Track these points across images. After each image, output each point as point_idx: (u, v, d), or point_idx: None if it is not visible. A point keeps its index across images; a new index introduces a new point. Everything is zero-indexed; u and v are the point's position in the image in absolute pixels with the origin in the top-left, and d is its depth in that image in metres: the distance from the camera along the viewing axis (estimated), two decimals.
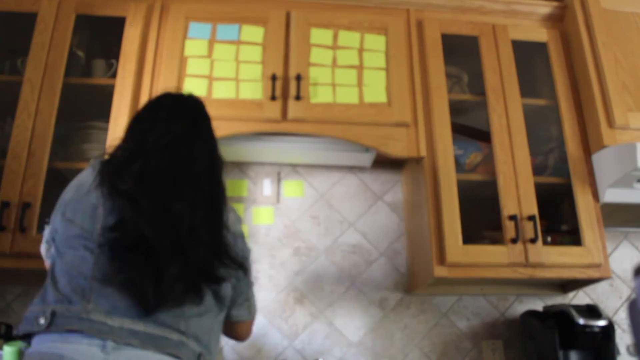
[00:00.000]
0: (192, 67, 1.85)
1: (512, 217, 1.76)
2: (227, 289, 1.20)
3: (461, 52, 2.03)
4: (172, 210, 1.10)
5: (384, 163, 2.16)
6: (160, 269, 1.05)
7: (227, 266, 1.17)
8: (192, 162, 1.18)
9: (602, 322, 1.78)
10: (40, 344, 1.04)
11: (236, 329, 1.33)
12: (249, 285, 1.31)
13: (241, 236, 1.29)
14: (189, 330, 1.09)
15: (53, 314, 1.03)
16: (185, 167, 1.16)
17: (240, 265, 1.22)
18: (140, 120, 1.26)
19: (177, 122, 1.22)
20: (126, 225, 1.08)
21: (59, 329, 1.02)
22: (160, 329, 1.05)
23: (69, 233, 1.13)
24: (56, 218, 1.19)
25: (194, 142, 1.21)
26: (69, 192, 1.20)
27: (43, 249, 1.27)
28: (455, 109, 1.97)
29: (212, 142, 1.27)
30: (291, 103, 1.81)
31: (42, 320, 1.03)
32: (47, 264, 1.27)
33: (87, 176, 1.19)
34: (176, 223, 1.09)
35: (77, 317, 1.03)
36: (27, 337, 1.09)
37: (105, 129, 1.77)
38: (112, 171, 1.14)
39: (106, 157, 1.21)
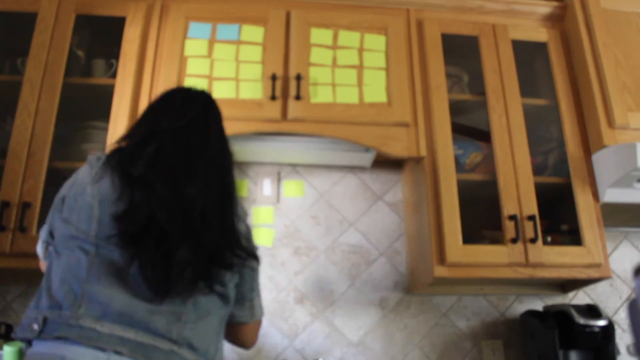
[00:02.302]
0: (192, 67, 1.85)
1: (512, 217, 1.76)
2: (232, 289, 1.18)
3: (461, 52, 2.03)
4: (185, 193, 1.08)
5: (384, 163, 2.16)
6: (170, 252, 1.03)
7: (238, 255, 1.14)
8: (206, 145, 1.17)
9: (602, 322, 1.78)
10: (40, 344, 1.02)
11: (237, 332, 1.27)
12: (253, 282, 1.26)
13: (250, 229, 1.27)
14: (181, 337, 1.05)
15: (45, 321, 1.01)
16: (199, 148, 1.15)
17: (252, 254, 1.20)
18: (154, 108, 1.26)
19: (191, 108, 1.22)
20: (136, 209, 1.05)
21: (50, 336, 1.00)
22: (151, 337, 1.02)
23: (65, 233, 1.10)
24: (54, 217, 1.17)
25: (208, 126, 1.21)
26: (64, 190, 1.17)
27: (40, 249, 1.25)
28: (455, 109, 1.97)
29: (223, 131, 1.26)
30: (291, 103, 1.81)
31: (35, 326, 1.02)
32: (43, 265, 1.25)
33: (82, 174, 1.16)
34: (188, 206, 1.07)
35: (66, 324, 1.00)
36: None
37: (105, 129, 1.77)
38: (123, 159, 1.12)
39: (111, 149, 1.19)
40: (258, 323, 1.31)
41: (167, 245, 1.04)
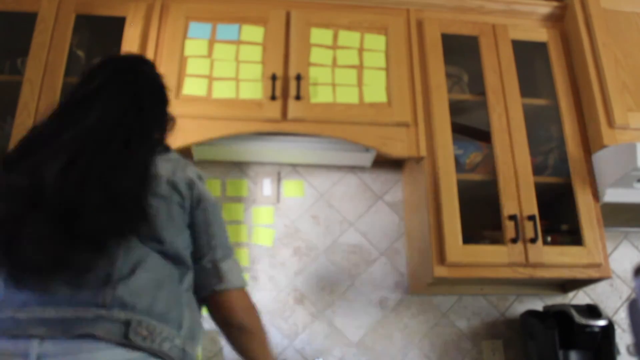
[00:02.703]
0: (192, 66, 1.85)
1: (512, 217, 1.76)
2: (180, 247, 1.06)
3: (461, 52, 2.03)
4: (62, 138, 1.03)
5: (384, 163, 2.16)
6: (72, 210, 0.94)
7: (158, 194, 1.03)
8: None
9: (602, 322, 1.78)
10: None
11: (212, 304, 1.10)
12: (211, 238, 1.10)
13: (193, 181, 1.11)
14: (113, 299, 0.95)
15: None
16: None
17: (175, 187, 1.05)
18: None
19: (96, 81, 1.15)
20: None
21: None
22: (73, 309, 0.94)
23: None
24: None
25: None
26: None
27: None
28: (455, 109, 1.97)
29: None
30: (291, 103, 1.81)
31: None
32: None
33: None
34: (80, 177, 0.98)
35: None
36: None
37: None
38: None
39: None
40: (237, 293, 1.10)
41: (63, 215, 0.94)
